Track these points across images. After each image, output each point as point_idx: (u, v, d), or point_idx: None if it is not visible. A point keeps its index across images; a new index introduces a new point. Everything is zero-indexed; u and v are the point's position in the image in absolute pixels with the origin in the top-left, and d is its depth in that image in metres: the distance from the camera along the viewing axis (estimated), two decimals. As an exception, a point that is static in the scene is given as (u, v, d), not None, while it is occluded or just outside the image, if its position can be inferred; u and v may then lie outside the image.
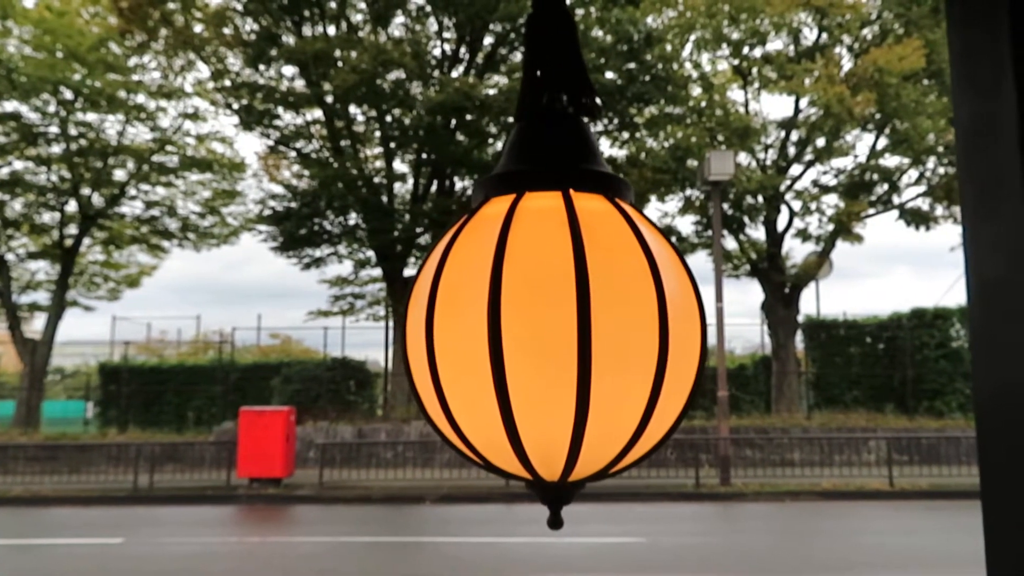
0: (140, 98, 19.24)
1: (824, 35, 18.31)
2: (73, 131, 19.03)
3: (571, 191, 0.76)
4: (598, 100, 0.85)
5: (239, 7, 17.46)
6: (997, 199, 0.89)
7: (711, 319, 15.37)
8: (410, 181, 19.25)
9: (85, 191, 19.54)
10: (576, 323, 0.69)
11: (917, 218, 18.48)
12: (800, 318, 19.45)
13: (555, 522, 0.78)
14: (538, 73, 0.84)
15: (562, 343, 0.69)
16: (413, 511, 12.74)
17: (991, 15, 0.89)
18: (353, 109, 18.18)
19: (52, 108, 18.61)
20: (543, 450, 0.72)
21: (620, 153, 19.23)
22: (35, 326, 23.41)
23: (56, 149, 19.17)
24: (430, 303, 0.74)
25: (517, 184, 0.78)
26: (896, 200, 18.80)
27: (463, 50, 18.57)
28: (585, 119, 0.84)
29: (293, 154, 19.32)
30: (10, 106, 18.31)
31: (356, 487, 14.07)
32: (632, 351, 0.70)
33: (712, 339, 16.89)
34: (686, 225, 21.93)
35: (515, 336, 0.69)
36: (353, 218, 19.00)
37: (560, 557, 9.17)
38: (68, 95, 18.44)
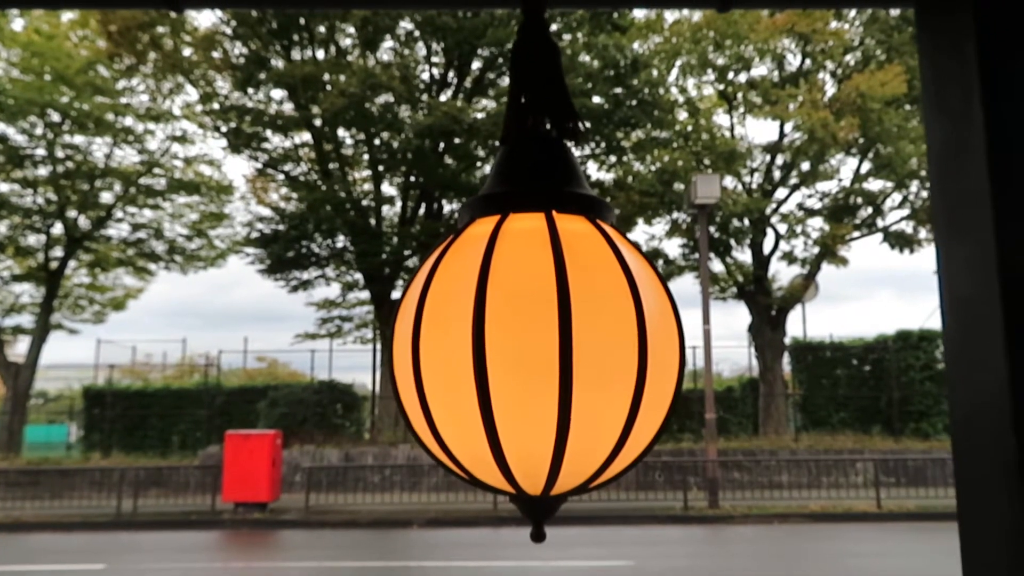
0: (128, 121, 19.24)
1: (808, 61, 18.59)
2: (60, 153, 18.99)
3: (554, 212, 0.78)
4: (581, 124, 0.87)
5: (228, 31, 17.54)
6: (969, 219, 0.91)
7: (698, 342, 15.43)
8: (398, 204, 19.29)
9: (71, 213, 19.46)
10: (558, 340, 0.70)
11: (901, 241, 18.68)
12: (787, 340, 19.54)
13: (538, 535, 0.79)
14: (523, 98, 0.87)
15: (544, 360, 0.70)
16: (400, 535, 12.63)
17: (959, 42, 0.92)
18: (341, 132, 18.23)
19: (39, 130, 18.57)
20: (526, 464, 0.74)
21: (607, 176, 19.36)
22: (18, 349, 23.15)
23: (43, 171, 19.10)
24: (416, 321, 0.76)
25: (502, 205, 0.80)
26: (880, 223, 19.00)
27: (451, 74, 18.71)
28: (569, 142, 0.86)
29: (281, 177, 19.34)
30: (-4, 128, 18.27)
31: (343, 511, 13.94)
32: (612, 367, 0.72)
33: (700, 362, 16.93)
34: (673, 248, 22.07)
35: (499, 353, 0.71)
36: (341, 241, 19.00)
37: (548, 581, 9.11)
38: (56, 117, 18.43)
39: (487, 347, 0.71)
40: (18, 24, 17.92)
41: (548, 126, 0.86)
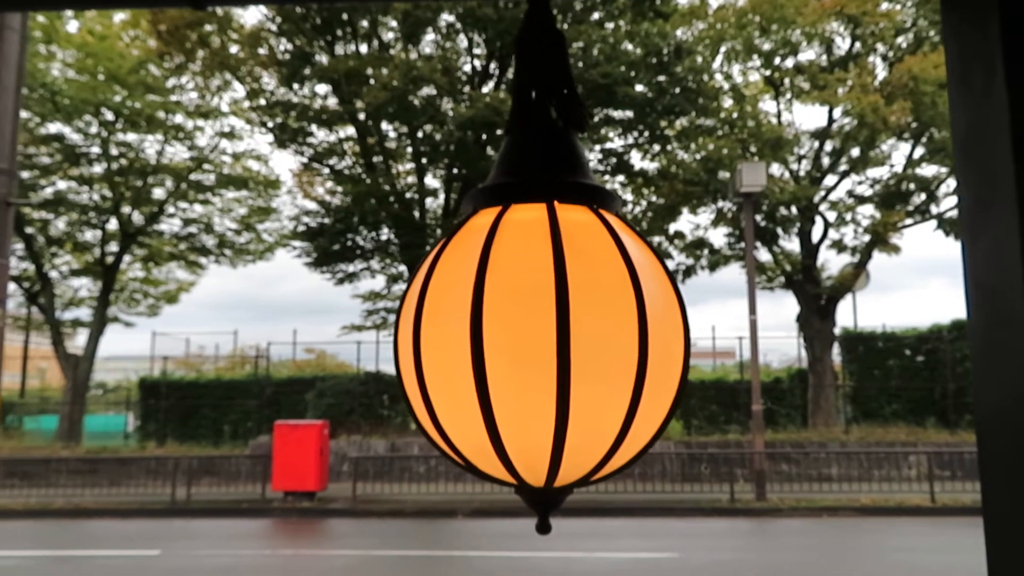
0: (178, 118, 19.67)
1: (857, 44, 18.11)
2: (114, 151, 19.51)
3: (555, 202, 0.77)
4: (586, 113, 0.86)
5: (274, 28, 17.80)
6: (992, 205, 0.88)
7: (745, 332, 15.23)
8: (441, 196, 19.39)
9: (125, 209, 19.98)
10: (555, 332, 0.70)
11: (956, 228, 18.10)
12: (837, 330, 19.14)
13: (543, 527, 0.79)
14: (528, 88, 0.86)
15: (542, 351, 0.70)
16: (445, 525, 12.75)
17: (984, 21, 0.89)
18: (385, 126, 18.38)
19: (94, 129, 19.10)
20: (526, 456, 0.73)
21: (651, 166, 19.18)
22: (78, 342, 23.93)
23: (98, 169, 19.65)
24: (417, 313, 0.76)
25: (504, 196, 0.79)
26: (934, 210, 18.45)
27: (493, 65, 18.70)
28: (574, 132, 0.85)
29: (326, 171, 19.58)
30: (54, 128, 18.85)
31: (389, 501, 14.12)
32: (611, 359, 0.71)
33: (747, 352, 16.70)
34: (719, 237, 21.74)
35: (496, 345, 0.71)
36: (385, 233, 19.18)
37: (591, 572, 9.11)
38: (109, 116, 18.93)
39: (485, 339, 0.71)
40: (73, 26, 18.46)
41: (553, 115, 0.85)
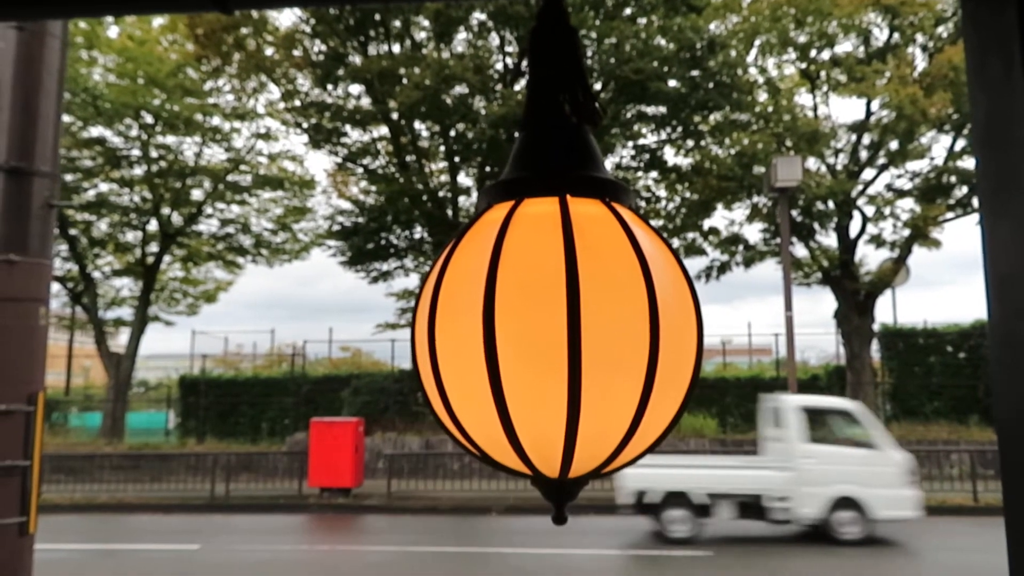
0: (215, 120, 19.97)
1: (896, 35, 17.76)
2: (153, 153, 19.87)
3: (568, 196, 0.78)
4: (600, 108, 0.87)
5: (308, 29, 17.99)
6: (1011, 194, 0.87)
7: (781, 329, 15.03)
8: (474, 194, 19.44)
9: (165, 210, 20.35)
10: (566, 324, 0.71)
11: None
12: (876, 327, 18.80)
13: (559, 517, 0.80)
14: (542, 84, 0.87)
15: (553, 344, 0.71)
16: (479, 522, 12.80)
17: (1001, 10, 0.88)
18: (418, 125, 18.48)
19: (134, 132, 19.48)
20: (540, 447, 0.75)
21: (685, 161, 19.01)
22: (120, 340, 24.44)
23: (138, 171, 20.03)
24: (432, 306, 0.78)
25: (517, 191, 0.81)
26: (976, 203, 18.03)
27: (525, 63, 18.69)
28: (587, 126, 0.86)
29: (360, 170, 19.74)
30: (96, 131, 19.25)
31: (423, 497, 14.21)
32: (622, 351, 0.72)
33: (783, 349, 16.49)
34: (754, 233, 21.52)
35: (509, 337, 0.72)
36: (419, 232, 19.29)
37: (626, 569, 9.09)
38: (149, 119, 19.28)
39: (497, 332, 0.72)
40: (113, 31, 18.85)
41: (566, 110, 0.86)
